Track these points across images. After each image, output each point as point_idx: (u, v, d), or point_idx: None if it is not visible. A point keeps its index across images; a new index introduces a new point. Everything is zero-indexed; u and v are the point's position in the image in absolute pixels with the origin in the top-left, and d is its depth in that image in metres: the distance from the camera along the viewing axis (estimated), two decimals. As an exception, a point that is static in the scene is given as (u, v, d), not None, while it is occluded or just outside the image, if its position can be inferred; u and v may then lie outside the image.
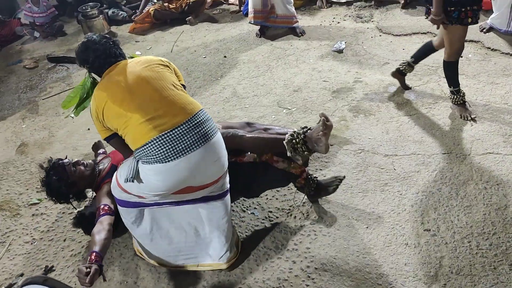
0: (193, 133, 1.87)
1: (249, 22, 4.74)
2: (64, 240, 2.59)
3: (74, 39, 5.70)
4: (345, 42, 4.31)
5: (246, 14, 5.39)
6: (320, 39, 4.54)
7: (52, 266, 2.42)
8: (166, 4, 5.52)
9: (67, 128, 3.78)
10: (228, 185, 2.15)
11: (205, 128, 1.92)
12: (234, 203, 2.57)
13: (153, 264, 2.30)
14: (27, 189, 3.09)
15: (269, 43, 4.63)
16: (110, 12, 5.79)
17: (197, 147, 1.86)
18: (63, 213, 2.81)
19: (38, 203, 2.93)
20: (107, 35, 2.15)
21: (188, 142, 1.85)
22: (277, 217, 2.48)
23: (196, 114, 1.92)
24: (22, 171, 3.33)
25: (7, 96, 4.54)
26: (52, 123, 3.90)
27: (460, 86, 3.04)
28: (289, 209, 2.52)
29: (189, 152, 1.84)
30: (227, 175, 2.13)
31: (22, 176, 3.27)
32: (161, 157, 1.83)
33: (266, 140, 2.25)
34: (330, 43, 4.39)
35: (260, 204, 2.59)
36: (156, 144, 1.83)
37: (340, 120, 3.26)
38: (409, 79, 3.60)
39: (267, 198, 2.61)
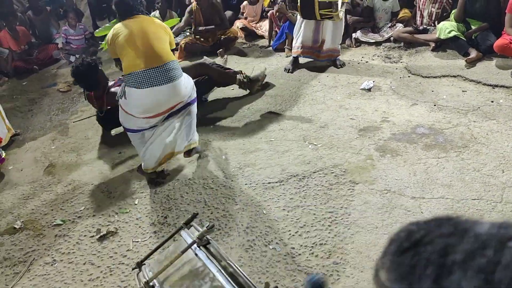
0: (162, 74, 2.90)
1: (293, 56, 4.81)
2: (84, 264, 2.58)
3: (107, 65, 5.86)
4: (374, 81, 4.33)
5: (276, 49, 5.50)
6: (348, 77, 4.57)
7: (70, 290, 2.42)
8: (197, 37, 5.67)
9: (95, 152, 3.85)
10: (193, 98, 3.18)
11: (171, 73, 2.95)
12: (256, 237, 2.54)
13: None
14: (52, 210, 3.13)
15: (297, 79, 4.68)
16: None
17: (163, 84, 2.90)
18: (85, 236, 2.82)
19: (61, 224, 2.96)
20: None
21: (157, 80, 2.89)
22: (299, 254, 2.43)
23: (167, 63, 2.94)
24: (48, 192, 3.39)
25: (40, 117, 4.68)
26: (80, 145, 3.99)
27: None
28: (312, 246, 2.47)
29: (157, 85, 2.89)
30: (190, 96, 3.12)
31: (48, 197, 3.32)
32: (138, 84, 2.88)
33: (225, 73, 4.31)
34: (358, 82, 4.41)
35: (282, 240, 2.54)
36: (136, 75, 2.88)
37: (367, 159, 3.22)
38: (438, 122, 3.56)
39: (290, 234, 2.57)
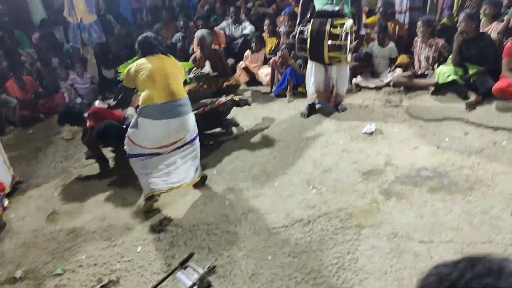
0: (174, 109, 3.27)
1: (309, 104, 4.88)
2: (84, 315, 2.50)
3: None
4: (375, 125, 4.36)
5: (278, 95, 5.60)
6: (350, 121, 4.61)
7: None
8: (200, 83, 5.79)
9: (97, 199, 3.83)
10: (194, 135, 3.52)
11: (183, 108, 3.32)
12: (262, 285, 2.47)
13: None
14: (53, 258, 3.07)
15: (299, 123, 4.72)
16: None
17: (175, 117, 3.26)
18: (85, 285, 2.75)
19: (62, 274, 2.89)
20: (159, 37, 3.70)
21: (170, 113, 3.25)
22: (306, 303, 2.35)
23: (181, 99, 3.31)
24: (50, 240, 3.34)
25: (44, 165, 4.70)
26: (83, 192, 3.97)
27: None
28: (319, 294, 2.40)
29: (170, 118, 3.25)
30: (194, 131, 3.51)
31: (50, 245, 3.27)
32: (153, 116, 3.24)
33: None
34: (360, 125, 4.45)
35: (288, 287, 2.47)
36: (153, 107, 3.23)
37: (372, 202, 3.19)
38: (442, 164, 3.55)
39: (296, 281, 2.50)
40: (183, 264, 1.51)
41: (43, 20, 8.01)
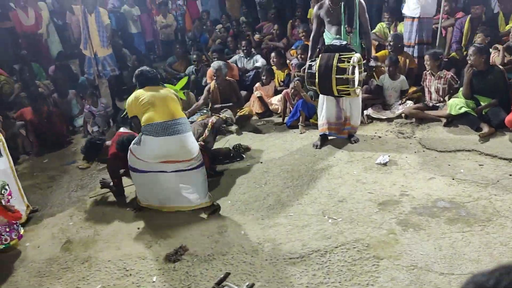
0: (174, 127, 3.67)
1: (320, 134, 4.92)
2: None
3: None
4: (389, 156, 4.37)
5: (290, 126, 5.65)
6: (363, 152, 4.63)
7: None
8: (213, 114, 5.88)
9: (112, 227, 3.84)
10: (200, 162, 3.88)
11: (182, 126, 3.72)
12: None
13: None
14: (68, 288, 3.05)
15: (312, 154, 4.74)
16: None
17: (174, 134, 3.66)
18: (101, 315, 2.72)
19: (77, 303, 2.87)
20: (155, 70, 4.24)
21: (170, 130, 3.64)
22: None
23: (178, 118, 3.73)
24: (64, 269, 3.33)
25: (58, 194, 4.74)
26: (98, 221, 3.98)
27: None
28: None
29: (169, 135, 3.64)
30: (199, 157, 3.88)
31: (64, 274, 3.26)
32: (154, 133, 3.62)
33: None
34: (374, 156, 4.46)
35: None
36: (154, 125, 3.63)
37: (389, 233, 3.17)
38: (458, 195, 3.54)
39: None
40: (219, 284, 1.50)
41: (60, 53, 8.28)
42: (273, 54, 6.69)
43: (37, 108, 6.16)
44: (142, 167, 3.82)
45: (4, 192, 3.56)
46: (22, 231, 3.79)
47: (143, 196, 4.00)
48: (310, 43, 4.91)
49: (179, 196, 3.86)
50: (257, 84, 6.49)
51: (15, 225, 3.69)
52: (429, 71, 5.36)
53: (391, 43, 5.88)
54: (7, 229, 3.61)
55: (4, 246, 3.59)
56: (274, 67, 6.66)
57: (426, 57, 5.35)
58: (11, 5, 8.31)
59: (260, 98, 6.20)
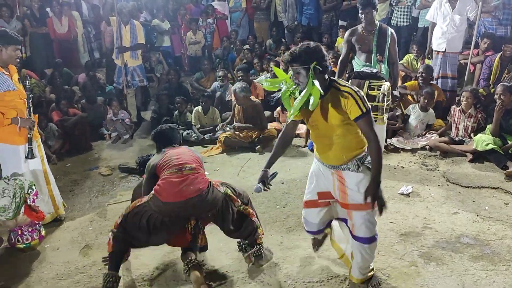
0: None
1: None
2: None
3: (148, 149, 6.04)
4: (412, 187, 4.33)
5: (312, 150, 5.64)
6: (385, 180, 4.58)
7: None
8: (237, 132, 5.94)
9: (131, 236, 3.85)
10: None
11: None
12: None
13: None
14: (85, 292, 3.06)
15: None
16: (184, 133, 6.29)
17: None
18: (117, 322, 2.72)
19: (93, 308, 2.88)
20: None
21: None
22: None
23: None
24: (82, 273, 3.35)
25: (80, 198, 4.79)
26: (117, 229, 4.00)
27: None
28: None
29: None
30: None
31: (82, 278, 3.28)
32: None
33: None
34: (396, 186, 4.42)
35: None
36: None
37: (410, 265, 3.12)
38: (482, 232, 3.48)
39: None
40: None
41: (88, 62, 8.60)
42: None
43: (65, 112, 6.32)
44: None
45: (30, 191, 3.63)
46: (43, 231, 3.84)
47: None
48: (338, 67, 4.96)
49: None
50: (278, 109, 6.56)
51: (37, 225, 3.74)
52: (460, 107, 5.33)
53: (423, 75, 5.88)
54: (30, 229, 3.66)
55: (25, 245, 3.64)
56: (297, 91, 6.72)
57: (467, 93, 5.31)
58: (48, 12, 8.61)
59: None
